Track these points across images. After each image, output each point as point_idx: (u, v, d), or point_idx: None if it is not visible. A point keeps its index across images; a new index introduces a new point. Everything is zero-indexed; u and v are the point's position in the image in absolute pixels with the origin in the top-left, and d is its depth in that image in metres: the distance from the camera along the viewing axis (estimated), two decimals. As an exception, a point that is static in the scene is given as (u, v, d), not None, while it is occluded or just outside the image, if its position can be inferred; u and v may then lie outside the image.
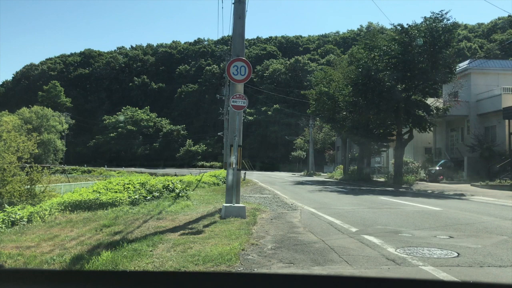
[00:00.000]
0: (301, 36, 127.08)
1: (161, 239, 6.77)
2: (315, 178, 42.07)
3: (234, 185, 9.81)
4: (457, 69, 27.81)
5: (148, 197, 13.23)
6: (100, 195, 12.14)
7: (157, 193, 14.01)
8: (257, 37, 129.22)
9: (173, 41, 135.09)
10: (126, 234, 7.54)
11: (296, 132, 72.85)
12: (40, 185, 15.23)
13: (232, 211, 9.36)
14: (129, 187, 13.59)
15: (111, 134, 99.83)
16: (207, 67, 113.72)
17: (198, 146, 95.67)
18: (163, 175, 32.71)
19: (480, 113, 30.79)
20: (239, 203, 9.92)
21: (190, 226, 8.25)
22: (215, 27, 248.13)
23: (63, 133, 72.77)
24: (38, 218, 9.81)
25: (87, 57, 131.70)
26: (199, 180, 23.36)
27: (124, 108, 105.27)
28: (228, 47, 44.19)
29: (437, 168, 29.65)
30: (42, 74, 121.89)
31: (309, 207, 12.52)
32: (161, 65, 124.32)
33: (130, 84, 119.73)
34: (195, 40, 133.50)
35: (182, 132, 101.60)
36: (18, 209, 10.22)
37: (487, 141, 28.80)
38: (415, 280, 1.50)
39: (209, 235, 7.19)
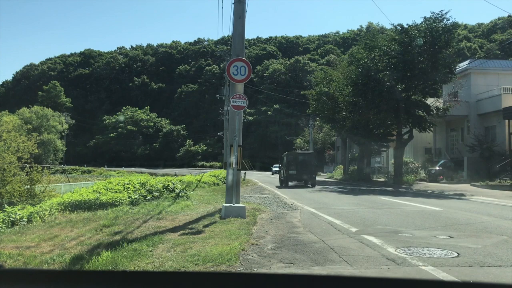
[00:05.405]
0: (301, 36, 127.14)
1: (161, 239, 6.77)
2: (315, 178, 41.97)
3: (234, 185, 9.81)
4: (457, 69, 27.80)
5: (148, 197, 13.22)
6: (100, 195, 12.13)
7: (157, 193, 14.01)
8: (257, 37, 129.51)
9: (173, 41, 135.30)
10: (126, 234, 7.53)
11: (296, 132, 72.88)
12: (40, 185, 15.22)
13: (232, 211, 9.36)
14: (129, 187, 13.59)
15: (111, 134, 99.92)
16: (207, 67, 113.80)
17: (198, 146, 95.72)
18: (163, 175, 32.71)
19: (480, 113, 30.78)
20: (239, 203, 9.91)
21: (190, 226, 8.24)
22: (215, 27, 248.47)
23: (63, 133, 72.76)
24: (38, 218, 9.81)
25: (87, 57, 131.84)
26: (199, 180, 23.36)
27: (124, 108, 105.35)
28: (228, 47, 44.16)
29: (437, 168, 29.64)
30: (42, 74, 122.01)
31: (309, 207, 12.52)
32: (161, 65, 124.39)
33: (130, 84, 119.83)
34: (195, 40, 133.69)
35: (182, 132, 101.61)
36: (18, 209, 10.21)
37: (487, 141, 28.78)
38: (415, 280, 1.50)
39: (209, 235, 7.19)
